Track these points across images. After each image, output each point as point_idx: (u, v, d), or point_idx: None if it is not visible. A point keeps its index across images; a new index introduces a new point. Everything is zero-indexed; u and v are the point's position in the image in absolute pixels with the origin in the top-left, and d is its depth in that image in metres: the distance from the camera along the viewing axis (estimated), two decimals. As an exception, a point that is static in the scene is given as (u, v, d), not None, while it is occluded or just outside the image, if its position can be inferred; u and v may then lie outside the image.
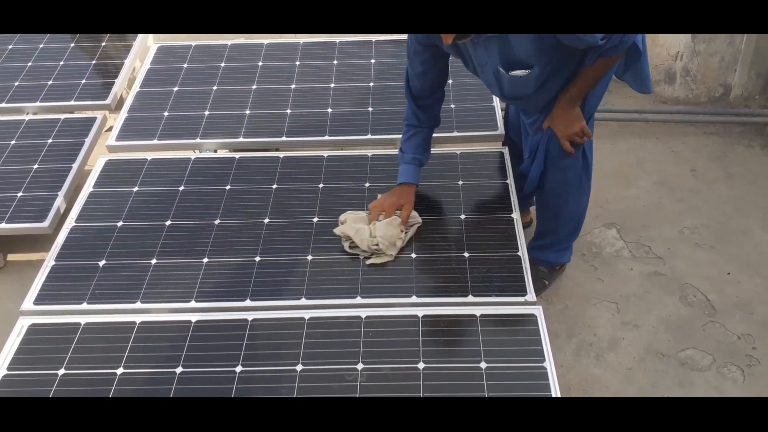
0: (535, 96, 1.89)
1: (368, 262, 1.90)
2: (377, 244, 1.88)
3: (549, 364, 1.62)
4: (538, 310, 1.75)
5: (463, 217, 2.03)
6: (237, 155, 2.30)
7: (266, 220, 2.05)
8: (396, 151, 2.13)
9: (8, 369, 1.70)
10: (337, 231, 1.96)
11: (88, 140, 2.60)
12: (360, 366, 1.66)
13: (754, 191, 2.69)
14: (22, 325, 1.81)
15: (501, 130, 2.31)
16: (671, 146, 2.97)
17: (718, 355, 1.96)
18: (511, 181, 2.12)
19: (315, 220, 2.05)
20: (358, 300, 1.82)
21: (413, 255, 1.93)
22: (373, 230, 1.91)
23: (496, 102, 2.41)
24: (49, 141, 2.61)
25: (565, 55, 1.78)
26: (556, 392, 1.55)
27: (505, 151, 2.22)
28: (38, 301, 1.86)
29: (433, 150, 2.25)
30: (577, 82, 1.84)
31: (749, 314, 2.10)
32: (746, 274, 2.27)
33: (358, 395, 1.59)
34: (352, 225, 1.93)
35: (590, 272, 2.32)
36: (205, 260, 1.94)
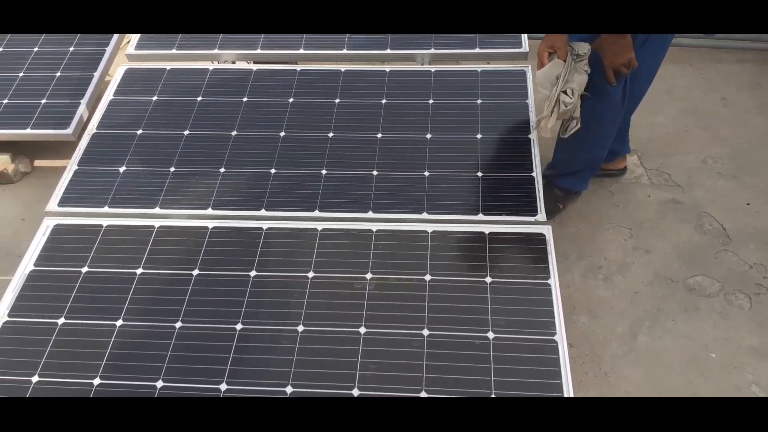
0: None
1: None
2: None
3: (553, 281, 1.64)
4: (547, 230, 1.76)
5: (479, 136, 2.01)
6: (254, 67, 2.28)
7: (282, 134, 2.06)
8: (415, 67, 2.08)
9: (35, 265, 1.79)
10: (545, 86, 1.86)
11: (108, 49, 2.60)
12: (369, 275, 1.70)
13: (787, 121, 2.60)
14: (48, 225, 1.88)
15: (525, 47, 2.24)
16: (703, 73, 2.86)
17: (728, 283, 1.96)
18: (531, 100, 2.08)
19: (330, 135, 2.05)
20: (370, 214, 1.85)
21: (426, 173, 1.93)
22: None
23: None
24: (71, 49, 2.62)
25: None
26: (558, 308, 1.59)
27: (528, 69, 2.17)
28: (62, 203, 1.93)
29: (453, 67, 2.20)
30: None
31: (764, 244, 2.08)
32: (767, 205, 2.23)
33: (365, 302, 1.64)
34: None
35: (606, 198, 2.30)
36: (222, 170, 1.97)
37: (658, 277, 2.01)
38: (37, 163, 2.63)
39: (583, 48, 1.85)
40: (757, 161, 2.42)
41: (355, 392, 1.49)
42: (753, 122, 2.62)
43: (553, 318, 1.58)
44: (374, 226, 1.81)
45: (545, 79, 1.87)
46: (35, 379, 1.56)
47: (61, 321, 1.67)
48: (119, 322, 1.65)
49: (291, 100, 2.15)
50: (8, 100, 2.48)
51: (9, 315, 1.69)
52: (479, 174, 1.91)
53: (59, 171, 2.51)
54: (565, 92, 1.83)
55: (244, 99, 2.17)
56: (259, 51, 2.34)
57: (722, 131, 2.58)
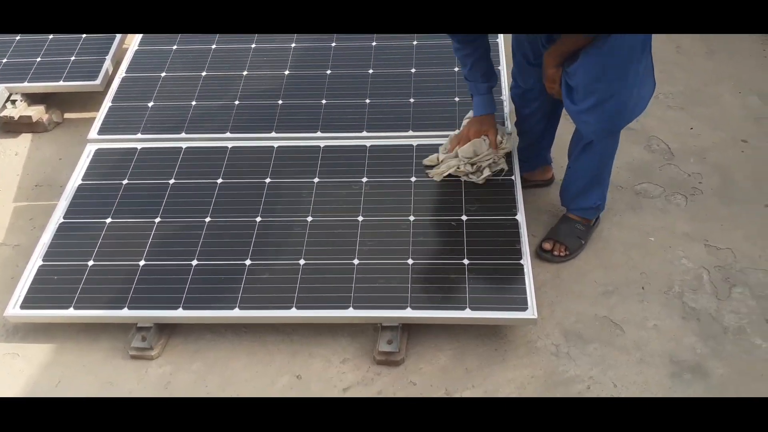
0: None
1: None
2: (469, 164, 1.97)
3: (516, 176, 1.99)
4: (514, 131, 2.11)
5: (456, 69, 2.35)
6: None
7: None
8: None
9: (82, 179, 2.12)
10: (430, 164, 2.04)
11: (128, 12, 2.92)
12: (365, 179, 2.04)
13: (732, 63, 2.94)
14: (90, 150, 2.21)
15: None
16: (660, 24, 3.19)
17: (669, 187, 2.31)
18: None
19: (329, 72, 2.38)
20: (364, 134, 2.18)
21: (411, 100, 2.27)
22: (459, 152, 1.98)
23: None
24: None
25: None
26: (518, 190, 1.94)
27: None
28: (101, 132, 2.26)
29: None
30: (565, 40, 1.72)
31: (702, 158, 2.43)
32: (708, 128, 2.57)
33: (362, 199, 1.98)
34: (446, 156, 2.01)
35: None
36: (237, 103, 2.31)
37: (610, 185, 2.34)
38: (67, 115, 2.94)
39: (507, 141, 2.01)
40: (703, 96, 2.76)
41: (356, 261, 1.83)
42: (703, 65, 2.96)
43: (514, 198, 1.93)
44: (368, 143, 2.15)
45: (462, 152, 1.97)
46: (90, 263, 1.90)
47: (108, 221, 2.00)
48: (158, 219, 1.99)
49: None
50: (41, 58, 2.80)
51: (64, 218, 2.02)
52: (456, 99, 2.25)
53: (88, 122, 2.83)
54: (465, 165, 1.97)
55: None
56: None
57: (675, 73, 2.91)
